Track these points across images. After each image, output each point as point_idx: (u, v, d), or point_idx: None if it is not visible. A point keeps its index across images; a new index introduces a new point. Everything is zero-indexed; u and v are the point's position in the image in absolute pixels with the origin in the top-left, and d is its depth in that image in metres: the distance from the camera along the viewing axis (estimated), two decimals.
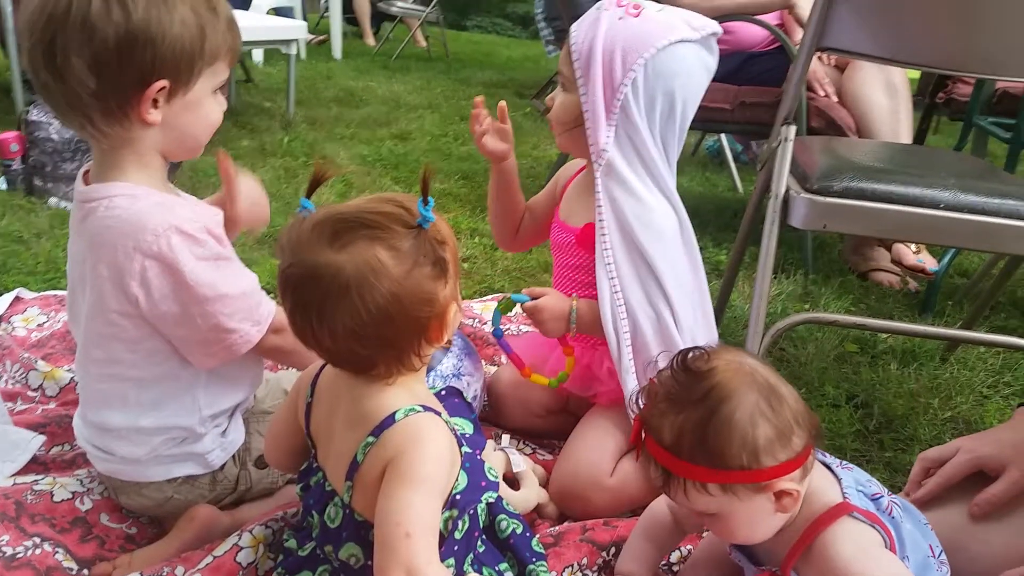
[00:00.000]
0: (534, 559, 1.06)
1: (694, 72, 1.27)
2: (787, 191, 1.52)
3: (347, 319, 0.84)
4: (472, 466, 0.96)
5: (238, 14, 1.16)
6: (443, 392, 1.08)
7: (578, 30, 1.27)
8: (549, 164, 3.57)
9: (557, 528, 1.22)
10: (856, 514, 0.90)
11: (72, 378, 1.47)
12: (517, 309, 1.42)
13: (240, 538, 1.07)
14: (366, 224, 0.84)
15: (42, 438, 1.31)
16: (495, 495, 1.00)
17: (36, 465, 1.29)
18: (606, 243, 1.26)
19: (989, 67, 1.44)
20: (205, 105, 1.08)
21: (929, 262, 2.19)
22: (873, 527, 0.91)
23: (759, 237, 1.49)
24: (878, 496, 0.97)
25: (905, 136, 2.31)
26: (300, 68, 5.19)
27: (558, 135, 1.35)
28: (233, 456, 1.19)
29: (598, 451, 1.28)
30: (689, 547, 1.20)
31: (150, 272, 1.02)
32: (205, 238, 1.05)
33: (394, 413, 0.88)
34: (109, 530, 1.19)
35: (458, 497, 0.93)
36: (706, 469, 0.85)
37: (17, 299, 1.79)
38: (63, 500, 1.19)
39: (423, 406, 0.90)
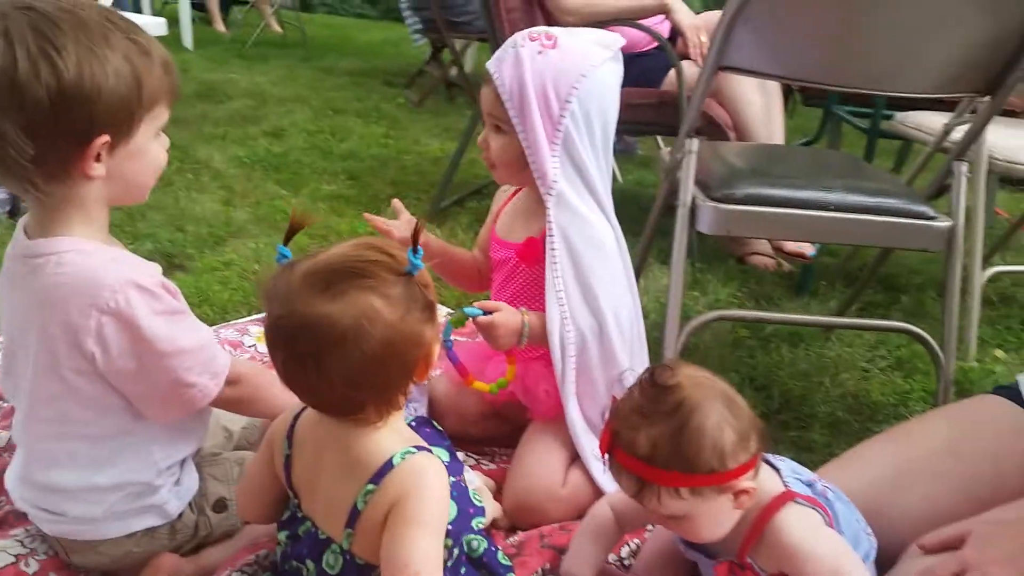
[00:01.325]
0: (505, 572, 1.12)
1: (614, 88, 1.35)
2: (693, 200, 1.63)
3: (343, 367, 0.86)
4: (459, 495, 1.00)
5: None
6: (413, 423, 1.11)
7: (499, 71, 1.30)
8: (433, 160, 3.59)
9: (516, 538, 1.28)
10: (799, 499, 1.01)
11: None
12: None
13: None
14: (358, 273, 0.87)
15: None
16: (483, 521, 1.05)
17: None
18: (556, 271, 1.32)
19: (874, 83, 1.59)
20: (149, 151, 1.06)
21: (807, 247, 2.38)
22: (814, 509, 1.02)
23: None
24: (812, 482, 1.08)
25: (778, 131, 2.49)
26: None
27: (502, 174, 1.39)
28: (190, 503, 1.17)
29: (548, 465, 1.35)
30: (636, 541, 1.29)
31: (107, 328, 1.00)
32: (161, 292, 1.03)
33: (391, 458, 0.91)
34: None
35: (451, 528, 0.96)
36: (680, 475, 0.93)
37: None
38: (6, 565, 1.14)
39: (416, 447, 0.93)
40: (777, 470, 1.06)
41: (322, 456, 0.97)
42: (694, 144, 1.64)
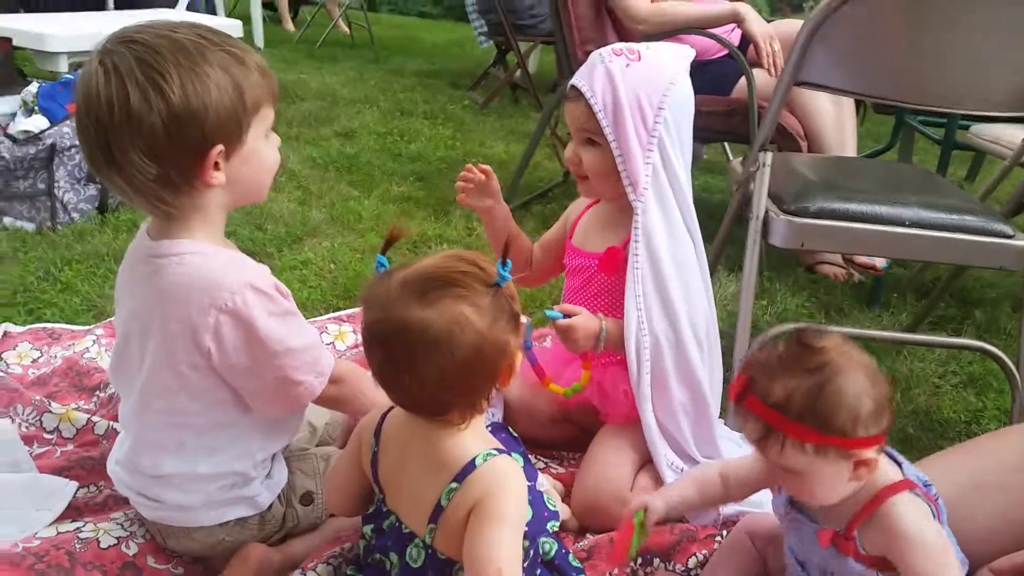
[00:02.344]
0: (576, 574, 1.16)
1: (691, 98, 1.40)
2: (766, 212, 1.64)
3: (434, 369, 0.91)
4: (534, 499, 1.05)
5: (165, 13, 1.18)
6: (490, 428, 1.16)
7: (589, 85, 1.35)
8: (498, 162, 3.64)
9: (586, 542, 1.31)
10: (916, 491, 1.03)
11: (88, 418, 1.48)
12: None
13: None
14: (451, 283, 0.93)
15: (75, 484, 1.32)
16: (557, 524, 1.09)
17: (70, 511, 1.30)
18: (637, 277, 1.36)
19: (948, 101, 1.59)
20: (261, 151, 1.13)
21: (879, 259, 2.36)
22: (929, 504, 1.03)
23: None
24: (929, 484, 1.09)
25: (850, 143, 2.48)
26: None
27: (593, 186, 1.43)
28: (279, 495, 1.24)
29: (618, 467, 1.38)
30: (704, 551, 1.31)
31: (224, 327, 1.07)
32: (275, 294, 1.10)
33: (474, 459, 0.96)
34: (157, 572, 1.22)
35: (527, 529, 1.01)
36: (811, 430, 0.95)
37: (5, 334, 1.76)
38: (110, 546, 1.22)
39: (497, 449, 0.98)
40: (899, 464, 1.08)
41: (408, 454, 1.02)
42: (767, 157, 1.65)
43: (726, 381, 1.62)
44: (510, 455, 1.00)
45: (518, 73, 5.00)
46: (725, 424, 1.56)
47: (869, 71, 1.56)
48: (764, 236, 1.64)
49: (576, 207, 1.56)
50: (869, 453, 0.98)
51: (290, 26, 7.85)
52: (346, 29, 7.64)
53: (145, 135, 1.01)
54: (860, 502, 1.02)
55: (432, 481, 0.98)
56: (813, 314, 2.29)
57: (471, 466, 0.96)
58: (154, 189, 1.05)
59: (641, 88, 1.33)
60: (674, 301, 1.36)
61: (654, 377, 1.37)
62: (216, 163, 1.07)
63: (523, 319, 1.06)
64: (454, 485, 0.96)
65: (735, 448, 1.49)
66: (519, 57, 4.79)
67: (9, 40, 2.96)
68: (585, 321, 1.37)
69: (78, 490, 1.34)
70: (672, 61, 1.38)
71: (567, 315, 1.37)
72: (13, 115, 2.50)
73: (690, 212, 1.41)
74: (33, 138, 2.41)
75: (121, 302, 1.19)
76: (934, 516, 1.03)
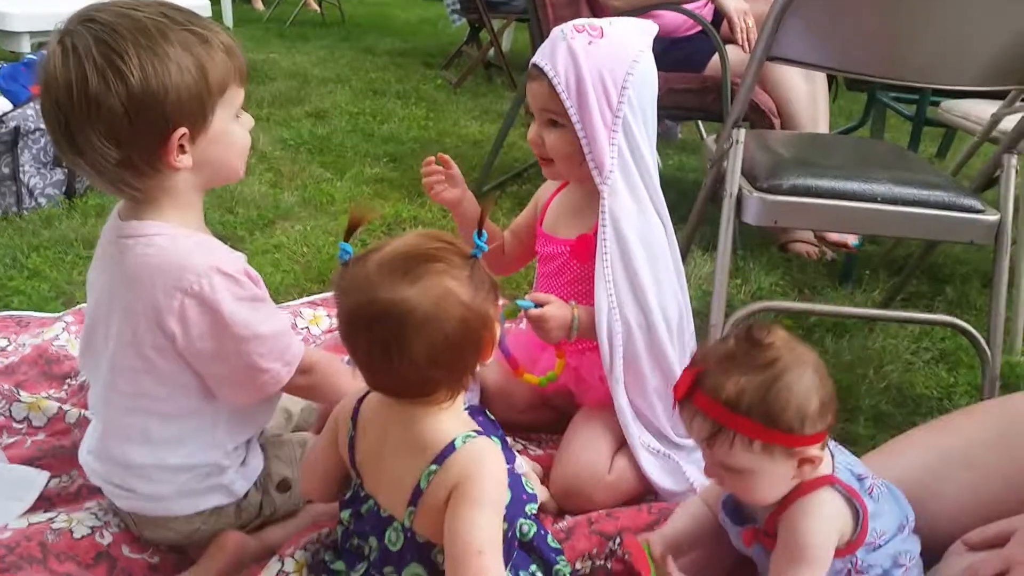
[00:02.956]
0: (555, 555, 1.16)
1: (655, 75, 1.37)
2: (739, 190, 1.65)
3: (425, 347, 0.91)
4: (512, 481, 1.04)
5: None
6: (467, 411, 1.15)
7: (552, 63, 1.31)
8: (473, 142, 3.61)
9: (565, 523, 1.31)
10: (838, 486, 1.04)
11: (59, 407, 1.46)
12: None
13: (283, 563, 1.12)
14: (431, 258, 0.92)
15: (47, 474, 1.31)
16: (535, 507, 1.09)
17: (41, 501, 1.28)
18: (607, 262, 1.34)
19: (924, 76, 1.60)
20: (230, 133, 1.10)
21: (851, 236, 2.38)
22: (849, 501, 1.04)
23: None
24: (864, 476, 1.10)
25: (823, 119, 2.48)
26: None
27: (558, 168, 1.40)
28: (255, 483, 1.22)
29: (595, 450, 1.38)
30: None
31: (189, 311, 1.05)
32: (244, 279, 1.08)
33: (453, 441, 0.96)
34: (132, 562, 1.21)
35: (505, 512, 1.00)
36: (760, 426, 0.96)
37: None
38: (83, 536, 1.20)
39: (476, 431, 0.98)
40: (832, 456, 1.09)
41: (387, 437, 1.01)
42: (741, 134, 1.65)
43: None
44: (489, 437, 1.00)
45: (491, 51, 4.96)
46: None
47: (843, 46, 1.56)
48: (738, 214, 1.64)
49: (545, 191, 1.55)
50: (813, 450, 0.99)
51: (259, 5, 7.73)
52: (316, 7, 7.52)
53: (105, 118, 0.99)
54: (782, 497, 1.04)
55: (411, 464, 0.97)
56: (787, 292, 2.31)
57: (450, 448, 0.95)
58: (118, 173, 1.03)
59: (605, 66, 1.30)
60: (644, 285, 1.34)
61: (626, 362, 1.36)
62: (181, 146, 1.04)
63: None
64: (433, 467, 0.95)
65: None
66: (492, 35, 4.75)
67: None
68: (556, 310, 1.35)
69: (50, 480, 1.32)
70: (635, 37, 1.35)
71: (539, 304, 1.36)
72: None
73: (657, 193, 1.39)
74: None
75: (91, 285, 1.17)
76: (858, 512, 1.04)
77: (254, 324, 1.08)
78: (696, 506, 1.20)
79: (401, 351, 0.91)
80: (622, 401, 1.38)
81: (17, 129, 2.37)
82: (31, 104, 2.41)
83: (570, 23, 1.35)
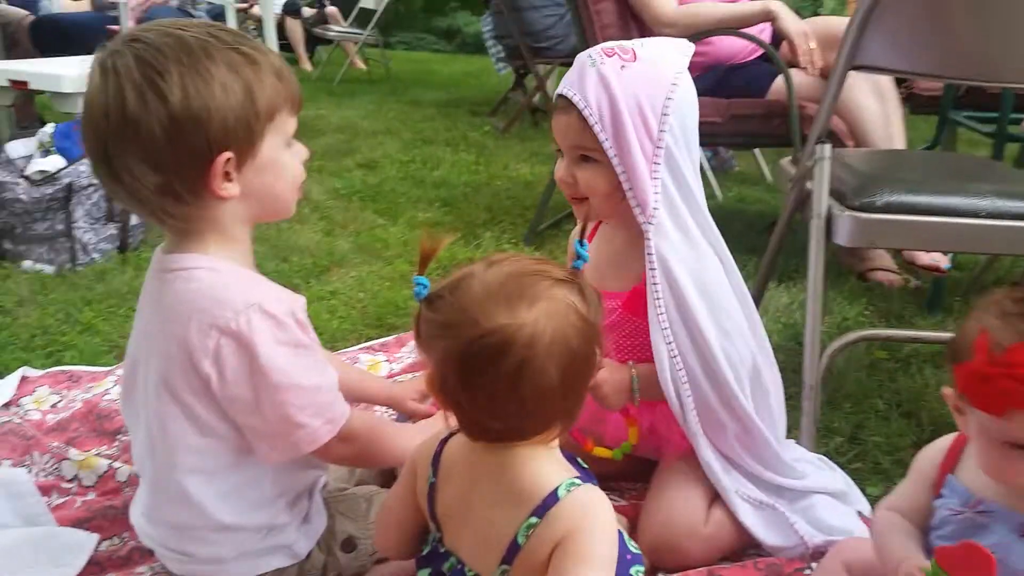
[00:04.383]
0: None
1: (695, 97, 1.22)
2: (828, 210, 1.52)
3: (559, 371, 0.81)
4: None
5: None
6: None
7: (581, 92, 1.15)
8: (524, 184, 3.54)
9: None
10: None
11: (109, 464, 1.37)
12: None
13: None
14: (539, 275, 0.83)
15: (96, 537, 1.22)
16: (641, 569, 0.96)
17: (91, 566, 1.19)
18: (660, 307, 1.19)
19: (1019, 75, 1.46)
20: (280, 161, 1.02)
21: (942, 260, 2.22)
22: None
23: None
24: None
25: (899, 140, 2.34)
26: None
27: (593, 208, 1.24)
28: (318, 543, 1.12)
29: (688, 500, 1.24)
30: None
31: (225, 350, 0.95)
32: (288, 321, 0.98)
33: (556, 489, 0.84)
34: None
35: None
36: None
37: (23, 379, 1.67)
38: None
39: (580, 478, 0.86)
40: None
41: (476, 485, 0.90)
42: (826, 150, 1.53)
43: (792, 399, 1.49)
44: (595, 483, 0.88)
45: (537, 96, 4.93)
46: (797, 444, 1.42)
47: (935, 50, 1.44)
48: (827, 236, 1.51)
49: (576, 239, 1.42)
50: None
51: (307, 65, 7.90)
52: (362, 65, 7.67)
53: (143, 141, 0.91)
54: None
55: (506, 515, 0.85)
56: (873, 323, 2.15)
57: (553, 498, 0.83)
58: (158, 200, 0.95)
59: (642, 92, 1.14)
60: (704, 331, 1.18)
61: (699, 408, 1.21)
62: (227, 172, 0.96)
63: None
64: (534, 520, 0.83)
65: (815, 471, 1.35)
66: (538, 79, 4.72)
67: (25, 83, 2.92)
68: (612, 374, 1.21)
69: (100, 543, 1.23)
70: (672, 57, 1.19)
71: None
72: (30, 157, 2.44)
73: (710, 228, 1.23)
74: (49, 178, 2.35)
75: (134, 326, 1.08)
76: None
77: (293, 372, 0.97)
78: (905, 525, 1.02)
79: (533, 383, 0.80)
80: (707, 455, 1.23)
81: (70, 186, 2.35)
82: (83, 161, 2.40)
83: (598, 46, 1.20)
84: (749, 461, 1.27)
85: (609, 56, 1.16)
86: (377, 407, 1.51)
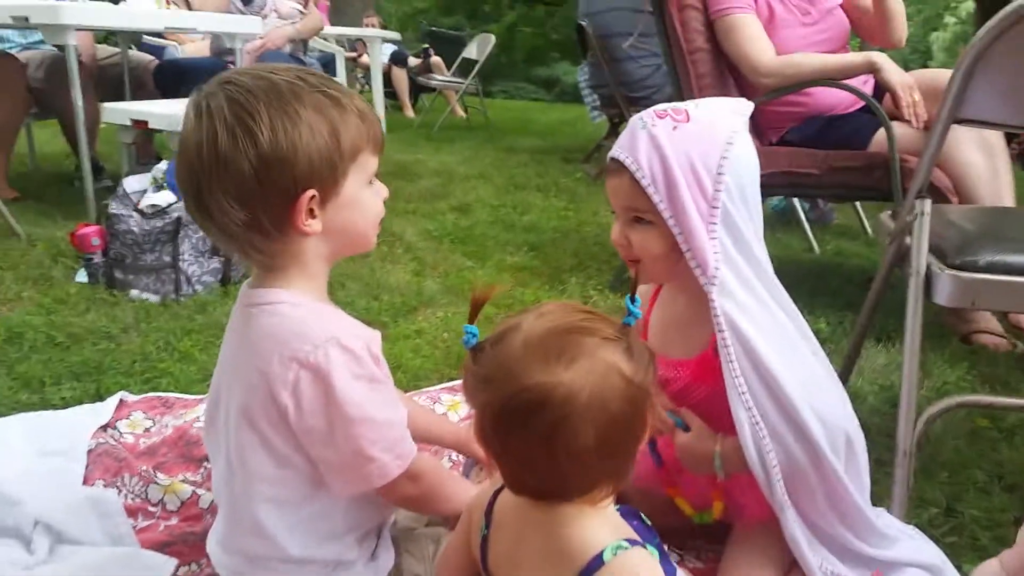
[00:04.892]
0: None
1: (754, 156, 1.18)
2: (928, 268, 1.45)
3: (594, 435, 0.79)
4: None
5: None
6: (620, 512, 1.01)
7: (632, 155, 1.14)
8: None
9: None
10: None
11: (193, 491, 1.42)
12: None
13: None
14: (584, 332, 0.81)
15: (175, 562, 1.25)
16: None
17: None
18: (735, 371, 1.14)
19: None
20: (362, 199, 1.05)
21: None
22: None
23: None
24: None
25: (1008, 195, 2.23)
26: None
27: (648, 270, 1.21)
28: None
29: (764, 569, 1.19)
30: None
31: (303, 383, 0.98)
32: (364, 356, 1.00)
33: (602, 552, 0.81)
34: None
35: None
36: None
37: (121, 403, 1.75)
38: None
39: (630, 540, 0.83)
40: None
41: (523, 541, 0.88)
42: (926, 205, 1.47)
43: (884, 464, 1.42)
44: (645, 547, 0.85)
45: None
46: (888, 512, 1.35)
47: None
48: (926, 295, 1.45)
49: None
50: None
51: (410, 112, 8.16)
52: (462, 113, 7.87)
53: (233, 178, 0.95)
54: None
55: (549, 574, 0.83)
56: (976, 388, 2.03)
57: (598, 561, 0.81)
58: (246, 235, 0.99)
59: (694, 151, 1.12)
60: (785, 388, 1.13)
61: (789, 478, 1.16)
62: (311, 209, 1.00)
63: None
64: None
65: (908, 541, 1.27)
66: None
67: (145, 122, 3.11)
68: (695, 441, 1.18)
69: (178, 568, 1.26)
70: (727, 117, 1.17)
71: (686, 426, 1.19)
72: (144, 191, 2.59)
73: (776, 287, 1.19)
74: (160, 212, 2.48)
75: (220, 357, 1.12)
76: None
77: (367, 406, 0.99)
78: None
79: (567, 443, 0.78)
80: (794, 530, 1.17)
81: (179, 219, 2.48)
82: None
83: (651, 109, 1.18)
84: (838, 527, 1.21)
85: (661, 118, 1.15)
86: (446, 451, 1.51)
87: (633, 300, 0.85)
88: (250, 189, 0.96)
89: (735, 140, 1.14)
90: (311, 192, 0.99)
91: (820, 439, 1.15)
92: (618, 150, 1.17)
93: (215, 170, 0.96)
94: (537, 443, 0.79)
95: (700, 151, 1.12)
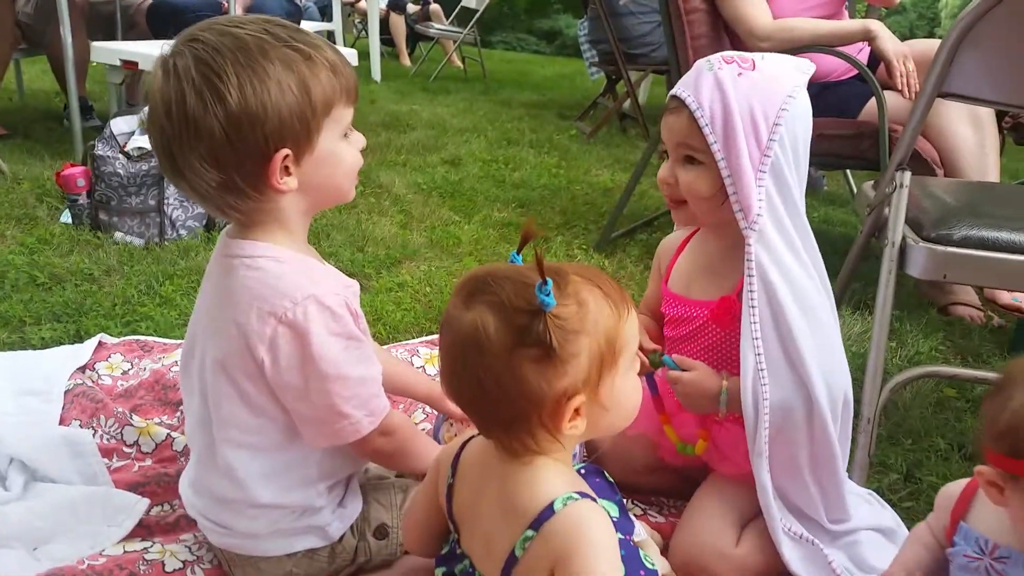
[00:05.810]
0: None
1: (810, 115, 1.20)
2: (903, 239, 1.47)
3: (475, 375, 0.81)
4: (628, 555, 0.91)
5: None
6: (583, 471, 1.03)
7: (695, 94, 1.16)
8: (603, 190, 3.53)
9: None
10: None
11: (168, 434, 1.44)
12: None
13: None
14: (491, 290, 0.80)
15: (146, 501, 1.27)
16: None
17: (139, 528, 1.25)
18: (755, 316, 1.16)
19: None
20: (337, 153, 1.04)
21: None
22: None
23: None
24: None
25: (993, 170, 2.24)
26: None
27: (691, 212, 1.23)
28: (351, 526, 1.15)
29: (723, 521, 1.22)
30: None
31: (281, 339, 0.99)
32: (343, 313, 1.01)
33: (552, 502, 0.83)
34: None
35: None
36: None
37: (100, 344, 1.76)
38: (174, 570, 1.16)
39: (580, 492, 0.85)
40: None
41: (484, 490, 0.90)
42: (905, 177, 1.49)
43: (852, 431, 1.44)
44: (595, 501, 0.87)
45: (626, 103, 4.90)
46: (848, 477, 1.38)
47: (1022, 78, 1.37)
48: (900, 266, 1.46)
49: (666, 249, 1.39)
50: None
51: (406, 61, 8.06)
52: (459, 63, 7.76)
53: (204, 140, 0.95)
54: None
55: (505, 526, 0.85)
56: (948, 359, 2.06)
57: (548, 511, 0.82)
58: (221, 196, 0.99)
59: (756, 100, 1.13)
60: (802, 351, 1.16)
61: (778, 438, 1.18)
62: (286, 167, 0.99)
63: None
64: (530, 533, 0.83)
65: (865, 506, 1.31)
66: (629, 86, 4.69)
67: (135, 63, 3.07)
68: (701, 378, 1.21)
69: (150, 508, 1.29)
70: (791, 72, 1.18)
71: (683, 368, 1.21)
72: (131, 134, 2.57)
73: (812, 245, 1.21)
74: (146, 155, 2.47)
75: (197, 303, 1.13)
76: None
77: (342, 364, 1.01)
78: (926, 534, 1.04)
79: (463, 369, 0.82)
80: (765, 479, 1.20)
81: None
82: None
83: (718, 55, 1.20)
84: (812, 496, 1.24)
85: (728, 63, 1.17)
86: (420, 404, 1.54)
87: (544, 288, 0.78)
88: (222, 151, 0.95)
89: (797, 95, 1.16)
90: (284, 151, 0.98)
91: (821, 398, 1.17)
92: (681, 88, 1.19)
93: (185, 133, 0.95)
94: (447, 362, 0.84)
95: (761, 100, 1.14)
